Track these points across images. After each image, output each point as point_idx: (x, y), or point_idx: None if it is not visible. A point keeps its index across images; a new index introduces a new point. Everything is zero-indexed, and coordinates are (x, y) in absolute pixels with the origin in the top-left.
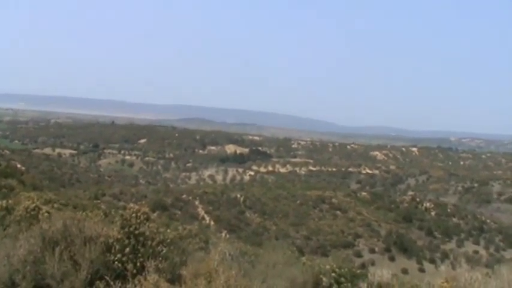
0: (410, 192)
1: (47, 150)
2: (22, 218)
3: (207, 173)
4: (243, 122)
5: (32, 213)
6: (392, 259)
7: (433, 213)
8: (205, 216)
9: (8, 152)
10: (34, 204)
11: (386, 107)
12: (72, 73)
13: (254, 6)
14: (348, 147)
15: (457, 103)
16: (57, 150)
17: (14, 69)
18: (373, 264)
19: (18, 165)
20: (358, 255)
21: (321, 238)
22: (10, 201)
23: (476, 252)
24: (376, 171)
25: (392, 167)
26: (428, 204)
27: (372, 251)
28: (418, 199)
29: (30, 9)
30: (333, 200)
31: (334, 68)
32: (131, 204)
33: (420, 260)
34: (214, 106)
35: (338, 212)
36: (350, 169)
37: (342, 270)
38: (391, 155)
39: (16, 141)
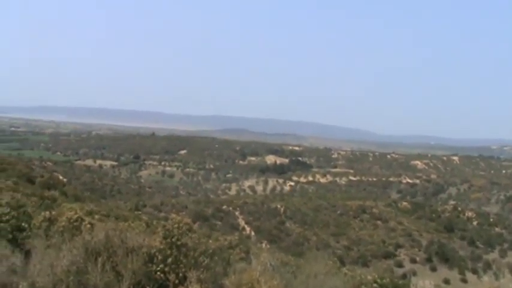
0: (451, 202)
1: (89, 162)
2: (65, 229)
3: (247, 183)
4: (283, 132)
5: (75, 224)
6: (433, 269)
7: (475, 223)
8: (246, 226)
9: (50, 163)
10: (77, 215)
11: (423, 115)
12: (113, 86)
13: (287, 17)
14: (388, 156)
15: (498, 111)
16: (99, 161)
17: (55, 82)
18: (414, 274)
19: (61, 177)
20: (399, 265)
21: (361, 248)
22: (53, 213)
23: None
24: (417, 181)
25: (433, 176)
26: (470, 213)
27: (413, 261)
28: (459, 208)
29: (73, 23)
30: (374, 210)
31: (370, 79)
32: (173, 215)
33: (462, 270)
34: (253, 116)
35: (379, 222)
36: (390, 179)
37: (384, 280)
38: (431, 164)
39: (58, 153)
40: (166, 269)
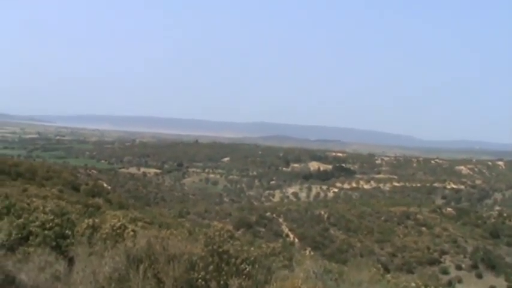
0: (497, 207)
1: (132, 170)
2: (108, 236)
3: (290, 190)
4: (326, 138)
5: (118, 231)
6: (479, 276)
7: None
8: (290, 233)
9: (95, 171)
10: (120, 223)
11: (467, 119)
12: (156, 94)
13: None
14: (432, 162)
15: None
16: (142, 169)
17: (99, 92)
18: (460, 281)
19: (105, 185)
20: (445, 272)
21: (406, 255)
22: (96, 220)
23: None
24: (462, 186)
25: (478, 182)
26: None
27: (459, 267)
28: (505, 214)
29: (111, 34)
30: (418, 216)
31: (414, 85)
32: (215, 222)
33: (509, 277)
34: (296, 123)
35: (423, 228)
36: (435, 184)
37: (429, 287)
38: (476, 169)
39: (103, 161)
40: (208, 276)
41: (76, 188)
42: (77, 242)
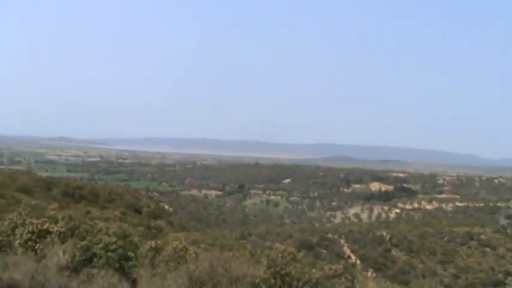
0: None
1: (194, 192)
2: (170, 258)
3: (352, 211)
4: (386, 158)
5: (180, 253)
6: None
7: None
8: (351, 255)
9: (156, 194)
10: (182, 245)
11: None
12: (216, 116)
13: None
14: (496, 181)
15: None
16: (204, 191)
17: (159, 115)
18: None
19: (167, 207)
20: None
21: (469, 276)
22: (159, 242)
23: None
24: None
25: None
26: None
27: None
28: None
29: (163, 57)
30: (482, 237)
31: (476, 103)
32: (277, 244)
33: None
34: (355, 144)
35: (487, 249)
36: (498, 204)
37: None
38: None
39: (164, 183)
40: None
41: (138, 211)
42: (140, 263)
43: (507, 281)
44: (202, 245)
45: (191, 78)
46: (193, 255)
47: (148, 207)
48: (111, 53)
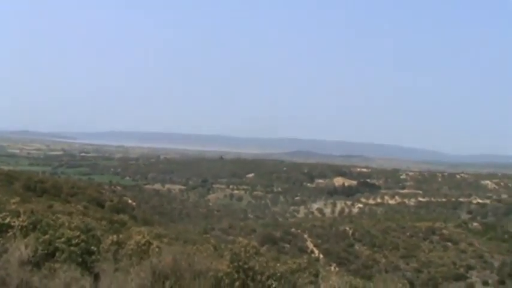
0: None
1: (157, 186)
2: (133, 252)
3: (315, 206)
4: (350, 154)
5: (143, 247)
6: None
7: None
8: (314, 249)
9: (119, 188)
10: (145, 239)
11: (493, 133)
12: (180, 110)
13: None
14: (458, 176)
15: None
16: (167, 185)
17: (123, 108)
18: None
19: (130, 201)
20: (471, 287)
21: (432, 270)
22: (122, 236)
23: None
24: (488, 201)
25: (504, 196)
26: None
27: (486, 283)
28: None
29: (134, 48)
30: (444, 231)
31: (438, 98)
32: (240, 239)
33: None
34: (319, 139)
35: (449, 244)
36: (460, 199)
37: None
38: (502, 183)
39: (127, 178)
40: None
41: (101, 205)
42: (103, 258)
43: (468, 275)
44: (165, 240)
45: (157, 72)
46: (157, 249)
47: (111, 201)
48: (79, 44)
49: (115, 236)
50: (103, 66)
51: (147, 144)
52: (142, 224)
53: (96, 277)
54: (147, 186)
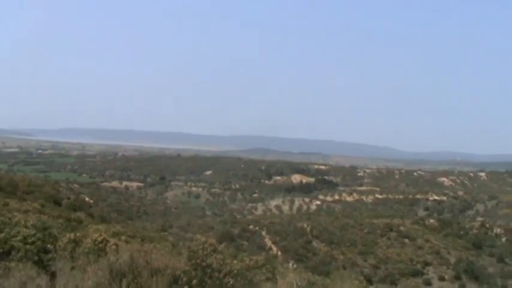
0: (479, 218)
1: (115, 183)
2: (90, 251)
3: (273, 203)
4: (308, 151)
5: (100, 245)
6: (462, 287)
7: (503, 239)
8: (273, 246)
9: (76, 185)
10: (102, 237)
11: (450, 131)
12: (138, 107)
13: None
14: (415, 173)
15: None
16: (125, 183)
17: (81, 105)
18: None
19: (87, 199)
20: (428, 283)
21: (389, 267)
22: (78, 234)
23: None
24: (444, 198)
25: (460, 193)
26: (498, 230)
27: (442, 279)
28: (487, 225)
29: (92, 44)
30: (401, 228)
31: (393, 96)
32: (198, 236)
33: (491, 287)
34: (277, 136)
35: (406, 240)
36: (417, 196)
37: None
38: (458, 180)
39: (84, 175)
40: None
41: (58, 203)
42: (59, 256)
43: (425, 271)
44: (123, 237)
45: (116, 69)
46: (114, 247)
47: (68, 198)
48: (36, 39)
49: (72, 234)
50: (61, 62)
51: (105, 141)
52: (100, 222)
53: (53, 276)
54: (105, 184)
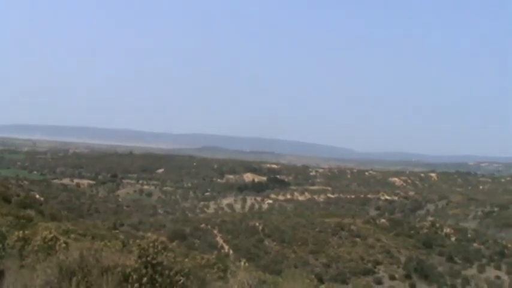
0: (429, 218)
1: (66, 181)
2: (40, 249)
3: (225, 201)
4: (261, 150)
5: (50, 243)
6: (413, 286)
7: (453, 239)
8: (224, 245)
9: (26, 182)
10: (52, 235)
11: (401, 132)
12: (90, 104)
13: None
14: (366, 173)
15: (474, 127)
16: (76, 180)
17: (32, 101)
18: None
19: (37, 196)
20: (379, 282)
21: (340, 265)
22: (28, 232)
23: (498, 277)
24: (395, 198)
25: (411, 193)
26: (448, 229)
27: (392, 277)
28: (437, 225)
29: (49, 40)
30: (352, 227)
31: (347, 95)
32: (149, 234)
33: (441, 286)
34: (229, 135)
35: (357, 239)
36: (369, 196)
37: None
38: (409, 180)
39: (35, 172)
40: None
41: (7, 200)
42: (8, 254)
43: (376, 270)
44: (73, 235)
45: (64, 63)
46: (64, 245)
47: (18, 196)
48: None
49: (21, 232)
50: (8, 56)
51: (56, 137)
52: (50, 220)
53: (1, 274)
54: (56, 181)
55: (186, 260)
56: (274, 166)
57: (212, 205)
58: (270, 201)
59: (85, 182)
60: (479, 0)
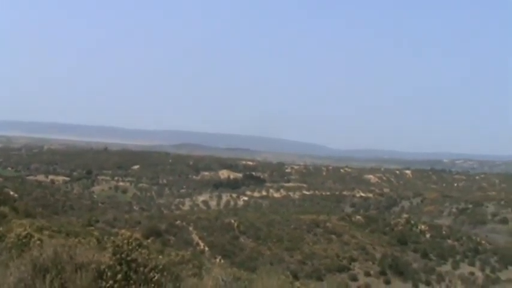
0: (404, 215)
1: (40, 177)
2: (13, 246)
3: (200, 198)
4: (236, 147)
5: (24, 240)
6: (387, 282)
7: (427, 236)
8: (200, 241)
9: (0, 179)
10: (26, 232)
11: (377, 129)
12: (65, 100)
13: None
14: (342, 170)
15: (449, 124)
16: (50, 177)
17: (6, 96)
18: (368, 287)
19: (11, 192)
20: (354, 278)
21: (315, 262)
22: (1, 229)
23: (472, 273)
24: (370, 195)
25: (386, 190)
26: (422, 226)
27: (367, 274)
28: (412, 221)
29: (25, 36)
30: (327, 224)
31: (323, 92)
32: (123, 231)
33: (416, 282)
34: (205, 131)
35: (332, 236)
36: (344, 193)
37: None
38: (384, 178)
39: (9, 168)
40: (116, 285)
41: None
42: None
43: (351, 267)
44: (47, 232)
45: (41, 58)
46: (38, 242)
47: None
48: None
49: None
50: None
51: (30, 134)
52: (24, 217)
53: None
54: (30, 177)
55: (161, 256)
56: (249, 163)
57: (187, 202)
58: (246, 198)
59: (60, 178)
60: None
